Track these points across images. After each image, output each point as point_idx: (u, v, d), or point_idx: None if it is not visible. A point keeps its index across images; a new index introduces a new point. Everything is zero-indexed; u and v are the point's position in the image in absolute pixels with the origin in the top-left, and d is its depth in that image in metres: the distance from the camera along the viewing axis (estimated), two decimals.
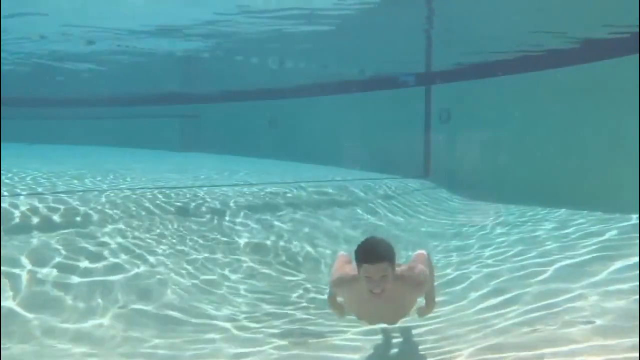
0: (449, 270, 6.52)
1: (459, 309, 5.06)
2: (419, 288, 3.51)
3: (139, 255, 5.94)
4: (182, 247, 6.44)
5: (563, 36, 11.06)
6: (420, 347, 4.18)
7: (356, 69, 15.39)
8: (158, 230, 6.61)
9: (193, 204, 7.54)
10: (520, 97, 12.07)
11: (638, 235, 6.54)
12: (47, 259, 5.37)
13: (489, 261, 6.68)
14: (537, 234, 7.91)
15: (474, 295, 5.45)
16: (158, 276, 5.67)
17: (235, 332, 4.83)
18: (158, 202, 7.31)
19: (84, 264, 5.48)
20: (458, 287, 5.79)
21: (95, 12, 10.80)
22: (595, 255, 6.14)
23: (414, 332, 4.46)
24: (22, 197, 6.68)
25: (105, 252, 5.78)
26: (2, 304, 4.63)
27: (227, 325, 4.97)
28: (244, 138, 18.27)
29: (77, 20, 11.36)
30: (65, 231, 5.96)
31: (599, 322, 3.97)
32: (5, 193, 6.88)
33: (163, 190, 8.04)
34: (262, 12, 10.44)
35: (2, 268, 5.01)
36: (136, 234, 6.37)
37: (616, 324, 3.88)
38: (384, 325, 4.25)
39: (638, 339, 3.22)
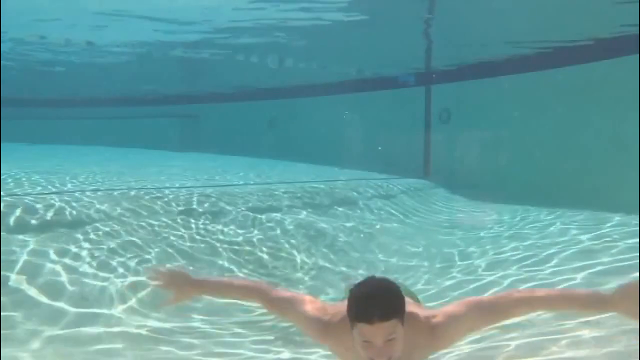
0: (454, 272, 6.52)
1: None
2: (445, 344, 2.35)
3: (138, 256, 5.93)
4: (183, 248, 6.45)
5: (563, 36, 11.07)
6: None
7: (356, 69, 15.39)
8: (152, 230, 6.61)
9: (193, 204, 7.53)
10: (520, 97, 12.07)
11: (638, 235, 6.55)
12: (43, 259, 5.37)
13: (494, 261, 6.68)
14: (540, 234, 7.91)
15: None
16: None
17: (233, 337, 4.83)
18: (157, 202, 7.31)
19: (81, 264, 5.48)
20: (470, 288, 5.78)
21: (95, 11, 10.81)
22: (591, 250, 6.15)
23: None
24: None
25: (104, 253, 5.78)
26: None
27: (226, 329, 4.97)
28: (243, 138, 18.26)
29: (76, 19, 11.37)
30: (61, 231, 5.96)
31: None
32: (5, 193, 6.88)
33: (161, 190, 8.04)
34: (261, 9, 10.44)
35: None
36: (135, 234, 6.37)
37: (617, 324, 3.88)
38: None
39: (638, 338, 3.21)
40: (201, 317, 5.08)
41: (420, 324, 2.26)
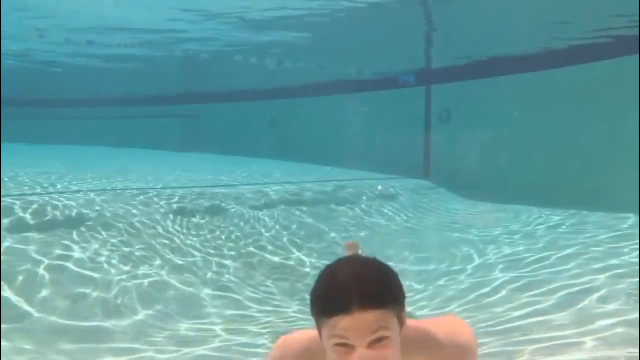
0: (459, 273, 6.50)
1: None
2: None
3: (141, 255, 5.93)
4: (183, 247, 6.44)
5: (563, 36, 11.07)
6: None
7: (356, 69, 15.39)
8: (159, 231, 6.60)
9: (193, 203, 7.53)
10: (520, 97, 12.06)
11: (638, 235, 6.54)
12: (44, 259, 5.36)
13: (498, 263, 6.68)
14: (542, 233, 7.91)
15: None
16: (160, 276, 5.66)
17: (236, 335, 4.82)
18: (157, 202, 7.31)
19: (81, 262, 5.48)
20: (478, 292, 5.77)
21: (95, 12, 10.81)
22: (590, 251, 6.14)
23: None
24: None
25: (108, 253, 5.78)
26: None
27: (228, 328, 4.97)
28: (243, 138, 18.25)
29: (76, 20, 11.36)
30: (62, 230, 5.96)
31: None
32: (5, 193, 6.88)
33: (163, 190, 8.04)
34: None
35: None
36: (139, 233, 6.37)
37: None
38: None
39: (638, 338, 3.21)
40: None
41: (444, 346, 1.58)
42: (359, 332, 1.31)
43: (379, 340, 1.33)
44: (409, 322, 1.50)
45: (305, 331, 1.67)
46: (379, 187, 9.14)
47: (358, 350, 1.32)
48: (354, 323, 1.31)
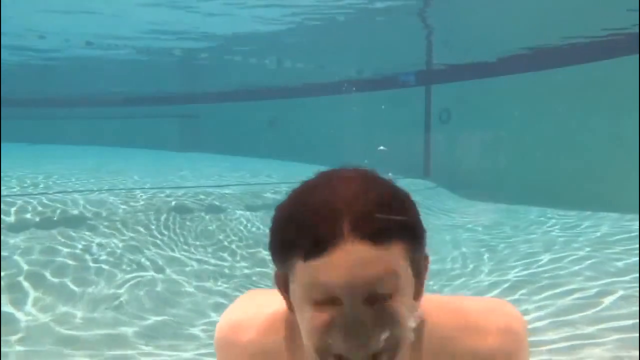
0: (462, 274, 6.51)
1: None
2: None
3: (140, 253, 5.93)
4: (182, 246, 6.45)
5: (563, 36, 11.07)
6: None
7: (356, 69, 15.39)
8: (154, 229, 6.61)
9: (193, 203, 7.53)
10: (520, 97, 12.06)
11: (638, 235, 6.55)
12: (40, 258, 5.36)
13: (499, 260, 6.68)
14: (544, 233, 7.90)
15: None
16: (161, 274, 5.66)
17: None
18: (155, 201, 7.32)
19: (78, 263, 5.48)
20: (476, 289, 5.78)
21: (95, 12, 10.81)
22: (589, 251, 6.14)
23: None
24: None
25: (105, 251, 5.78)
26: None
27: None
28: (243, 138, 18.26)
29: (76, 20, 11.37)
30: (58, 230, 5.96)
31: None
32: (5, 193, 6.88)
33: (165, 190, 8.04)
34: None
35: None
36: (135, 233, 6.37)
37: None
38: None
39: (638, 337, 3.21)
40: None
41: (490, 337, 0.99)
42: (352, 280, 0.79)
43: (381, 298, 0.81)
44: (433, 297, 0.97)
45: (259, 297, 1.11)
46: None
47: (349, 306, 0.80)
48: (344, 264, 0.79)
